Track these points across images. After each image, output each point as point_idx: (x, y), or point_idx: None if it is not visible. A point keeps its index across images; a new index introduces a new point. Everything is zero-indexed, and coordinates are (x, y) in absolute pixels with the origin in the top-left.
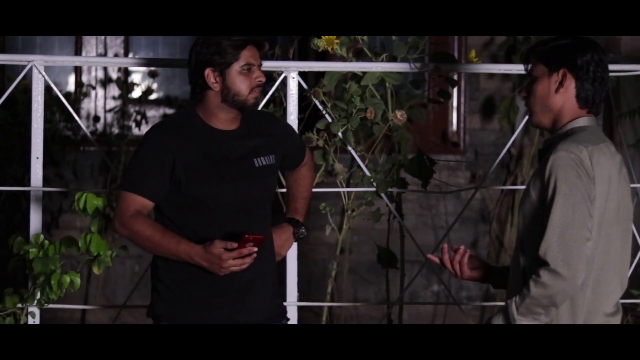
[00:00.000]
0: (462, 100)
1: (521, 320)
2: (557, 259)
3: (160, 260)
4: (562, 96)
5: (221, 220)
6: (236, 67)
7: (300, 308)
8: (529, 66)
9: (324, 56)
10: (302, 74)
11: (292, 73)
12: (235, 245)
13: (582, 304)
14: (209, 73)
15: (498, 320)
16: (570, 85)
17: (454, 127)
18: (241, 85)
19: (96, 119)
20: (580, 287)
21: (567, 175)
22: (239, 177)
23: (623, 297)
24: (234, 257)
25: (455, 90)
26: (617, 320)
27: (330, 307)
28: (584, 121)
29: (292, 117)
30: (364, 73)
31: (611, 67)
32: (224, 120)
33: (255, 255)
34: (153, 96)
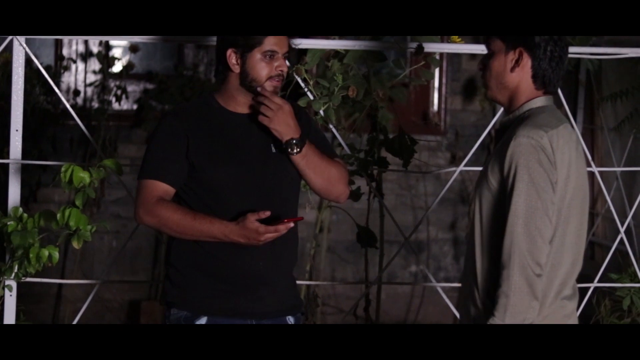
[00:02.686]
0: (444, 81)
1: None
2: (522, 249)
3: (175, 247)
4: (518, 75)
5: (237, 205)
6: (258, 52)
7: None
8: (488, 40)
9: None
10: None
11: None
12: (268, 214)
13: (541, 282)
14: (230, 54)
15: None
16: (527, 64)
17: (435, 107)
18: (260, 71)
19: (76, 92)
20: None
21: (529, 163)
22: (254, 162)
23: (602, 281)
24: (271, 231)
25: (436, 71)
26: (573, 304)
27: (308, 286)
28: (541, 101)
29: None
30: (347, 51)
31: (593, 50)
32: (242, 103)
33: (292, 225)
34: (133, 71)
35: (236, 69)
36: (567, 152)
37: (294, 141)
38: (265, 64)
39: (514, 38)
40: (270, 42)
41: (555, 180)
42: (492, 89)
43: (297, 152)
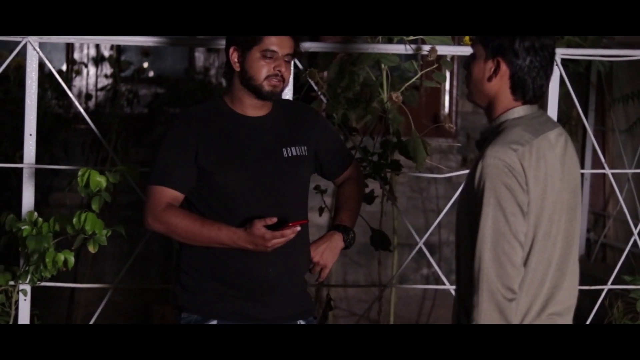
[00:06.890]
0: (455, 83)
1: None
2: (490, 275)
3: (185, 251)
4: (496, 84)
5: (246, 210)
6: (257, 50)
7: None
8: (473, 43)
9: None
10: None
11: None
12: (274, 220)
13: (515, 306)
14: (233, 52)
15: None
16: (505, 74)
17: (446, 110)
18: (258, 70)
19: (88, 97)
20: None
21: (496, 185)
22: (264, 166)
23: (615, 283)
24: (277, 237)
25: (447, 73)
26: (565, 319)
27: (319, 289)
28: (518, 112)
29: (287, 97)
30: (360, 54)
31: (605, 52)
32: (249, 105)
33: (299, 229)
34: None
35: (237, 67)
36: (544, 166)
37: (345, 246)
38: (264, 63)
39: (493, 46)
40: (270, 42)
41: (526, 202)
42: (472, 94)
43: (353, 235)
